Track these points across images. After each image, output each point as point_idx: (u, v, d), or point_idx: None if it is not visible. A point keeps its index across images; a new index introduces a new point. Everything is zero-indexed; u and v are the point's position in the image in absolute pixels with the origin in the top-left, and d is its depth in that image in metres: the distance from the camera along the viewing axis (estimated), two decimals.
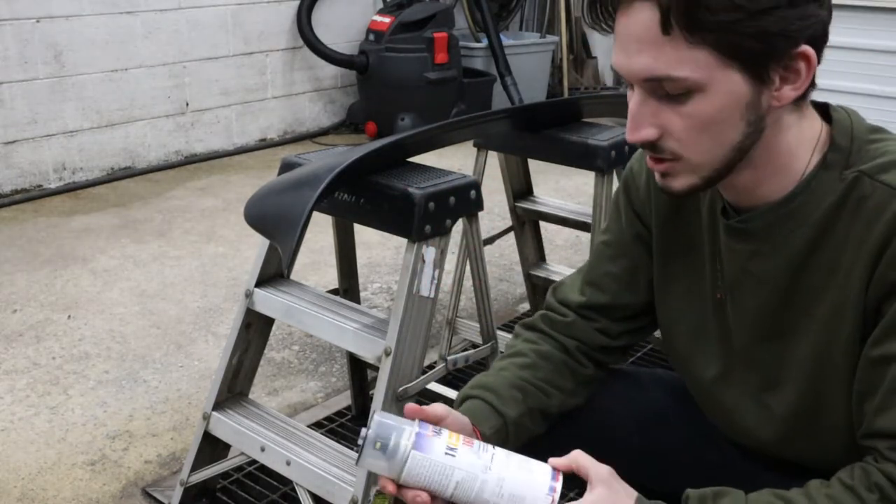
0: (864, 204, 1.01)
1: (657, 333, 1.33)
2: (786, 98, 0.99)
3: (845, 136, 1.05)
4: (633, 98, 1.01)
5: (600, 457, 1.35)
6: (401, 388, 1.65)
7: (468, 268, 1.93)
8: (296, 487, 1.76)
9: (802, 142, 1.05)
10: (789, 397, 1.12)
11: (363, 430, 1.02)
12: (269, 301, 1.83)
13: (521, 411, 1.23)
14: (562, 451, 1.35)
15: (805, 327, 1.08)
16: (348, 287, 2.16)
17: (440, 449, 1.01)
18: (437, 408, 1.10)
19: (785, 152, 1.04)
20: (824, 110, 1.09)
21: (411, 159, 1.85)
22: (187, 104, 4.64)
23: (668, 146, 1.01)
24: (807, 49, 0.96)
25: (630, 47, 0.98)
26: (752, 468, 1.25)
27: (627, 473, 1.37)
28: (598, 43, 5.88)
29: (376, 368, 1.68)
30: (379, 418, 1.02)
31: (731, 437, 1.26)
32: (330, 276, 3.12)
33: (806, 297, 1.07)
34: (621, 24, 0.98)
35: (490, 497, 1.00)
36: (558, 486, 1.00)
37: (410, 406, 1.06)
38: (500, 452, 1.03)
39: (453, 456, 1.01)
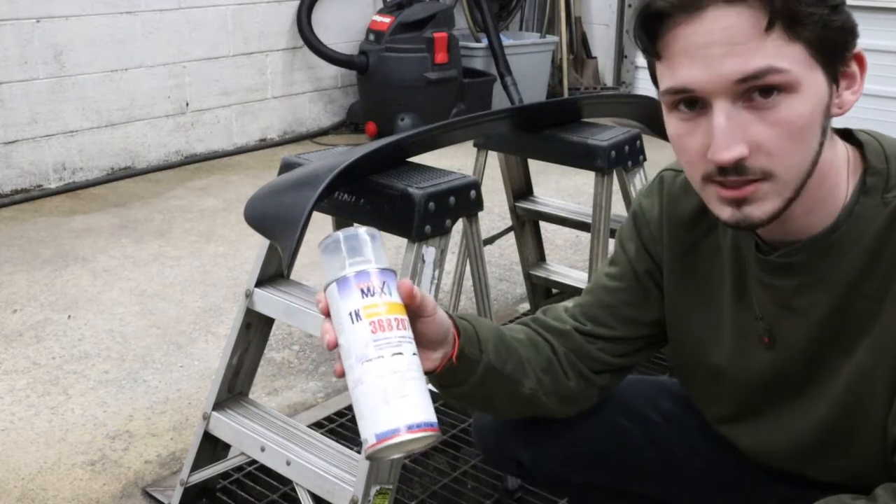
0: None
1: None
2: (847, 103, 0.99)
3: (879, 158, 1.03)
4: (718, 114, 0.94)
5: (607, 467, 1.35)
6: None
7: (468, 268, 1.93)
8: (296, 487, 1.76)
9: (839, 166, 1.03)
10: (818, 419, 1.11)
11: (351, 228, 0.96)
12: (269, 301, 1.83)
13: (497, 364, 1.16)
14: (569, 464, 1.35)
15: (847, 355, 1.06)
16: None
17: (351, 305, 0.92)
18: (429, 300, 1.00)
19: (830, 175, 1.01)
20: (845, 135, 1.07)
21: (411, 159, 1.85)
22: (187, 104, 4.64)
23: (758, 164, 0.95)
24: (860, 50, 0.98)
25: (711, 54, 0.92)
26: (766, 477, 1.24)
27: (643, 488, 1.37)
28: (598, 43, 5.88)
29: None
30: (370, 236, 0.95)
31: (748, 453, 1.24)
32: None
33: (851, 326, 1.05)
34: (694, 37, 0.93)
35: (348, 382, 0.91)
36: (394, 440, 0.88)
37: (406, 282, 0.96)
38: (394, 361, 0.90)
39: (351, 322, 0.91)
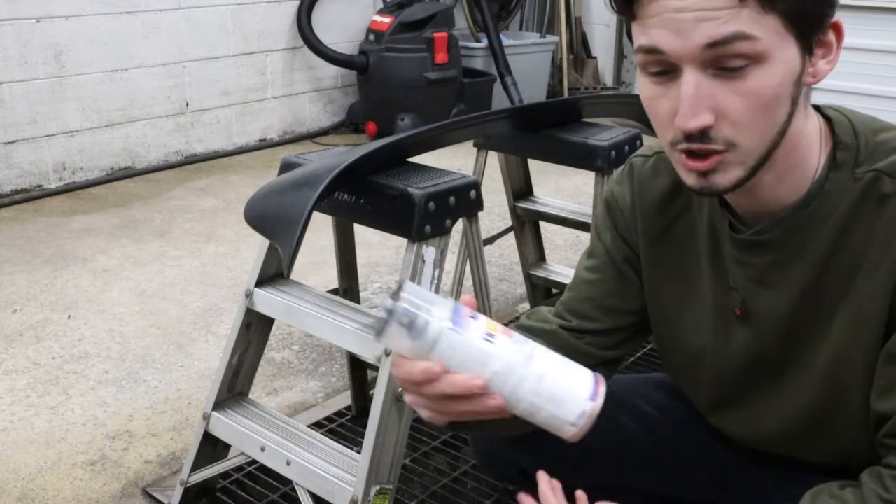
0: (888, 203, 1.00)
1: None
2: (821, 73, 0.98)
3: (847, 133, 1.04)
4: (686, 81, 0.94)
5: (609, 465, 1.35)
6: (401, 389, 1.65)
7: (468, 268, 1.93)
8: (296, 487, 1.76)
9: (811, 137, 1.03)
10: (804, 400, 1.11)
11: (388, 301, 0.87)
12: (269, 301, 1.83)
13: None
14: (572, 466, 1.35)
15: (824, 331, 1.07)
16: (348, 287, 2.16)
17: (478, 333, 0.88)
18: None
19: (801, 146, 1.02)
20: (815, 110, 1.08)
21: (411, 159, 1.85)
22: (187, 104, 4.64)
23: (722, 134, 0.96)
24: (838, 19, 0.97)
25: (686, 20, 0.92)
26: (761, 464, 1.25)
27: (642, 481, 1.37)
28: (598, 43, 5.89)
29: (376, 368, 1.69)
30: (411, 290, 0.88)
31: (738, 440, 1.25)
32: (330, 276, 3.11)
33: (826, 301, 1.06)
34: (671, 1, 0.93)
35: (526, 395, 0.89)
36: (602, 390, 0.90)
37: (469, 299, 0.94)
38: (541, 348, 0.91)
39: (491, 342, 0.88)
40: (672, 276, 1.20)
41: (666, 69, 0.96)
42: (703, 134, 0.95)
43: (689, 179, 1.00)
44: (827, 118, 1.06)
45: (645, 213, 1.20)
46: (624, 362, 1.33)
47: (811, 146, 1.03)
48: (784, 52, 0.94)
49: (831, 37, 0.98)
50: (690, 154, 0.98)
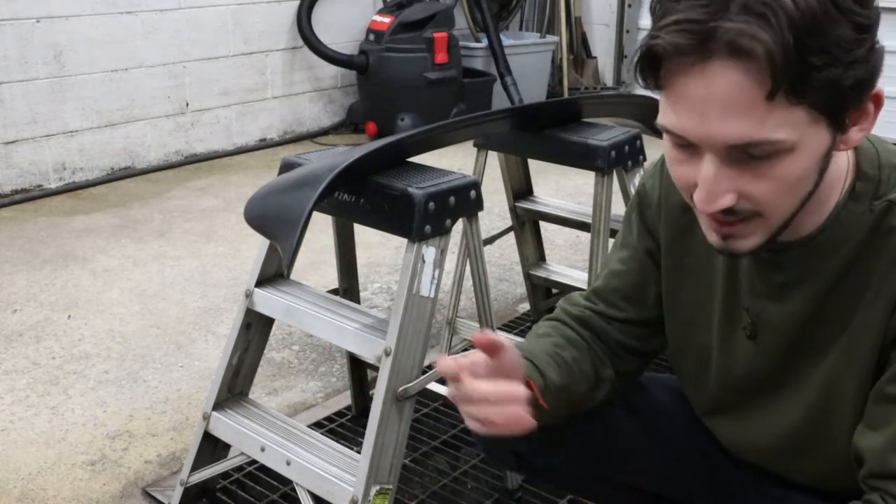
0: (894, 235, 0.99)
1: None
2: (853, 141, 0.95)
3: (872, 164, 1.03)
4: (707, 165, 0.92)
5: (611, 463, 1.36)
6: (401, 388, 1.65)
7: (468, 268, 1.92)
8: (296, 487, 1.76)
9: (837, 173, 1.01)
10: (792, 420, 1.12)
11: None
12: (269, 301, 1.83)
13: (559, 382, 1.19)
14: (574, 461, 1.35)
15: (823, 356, 1.07)
16: (348, 287, 2.16)
17: None
18: (510, 348, 1.05)
19: (826, 187, 1.00)
20: None
21: (411, 159, 1.85)
22: (187, 104, 4.64)
23: (745, 208, 0.95)
24: (879, 90, 0.92)
25: (709, 111, 0.89)
26: (755, 475, 1.25)
27: (638, 479, 1.37)
28: (598, 43, 5.88)
29: (376, 368, 1.69)
30: None
31: (728, 447, 1.26)
32: (330, 276, 3.12)
33: (826, 330, 1.06)
34: (694, 87, 0.89)
35: None
36: None
37: (480, 339, 1.00)
38: None
39: None
40: (688, 277, 1.21)
41: (688, 144, 0.94)
42: (723, 211, 0.95)
43: (711, 237, 1.01)
44: (855, 147, 1.04)
45: (669, 211, 1.21)
46: (651, 358, 1.35)
47: (836, 182, 1.01)
48: (813, 139, 0.91)
49: (869, 106, 0.94)
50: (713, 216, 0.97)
